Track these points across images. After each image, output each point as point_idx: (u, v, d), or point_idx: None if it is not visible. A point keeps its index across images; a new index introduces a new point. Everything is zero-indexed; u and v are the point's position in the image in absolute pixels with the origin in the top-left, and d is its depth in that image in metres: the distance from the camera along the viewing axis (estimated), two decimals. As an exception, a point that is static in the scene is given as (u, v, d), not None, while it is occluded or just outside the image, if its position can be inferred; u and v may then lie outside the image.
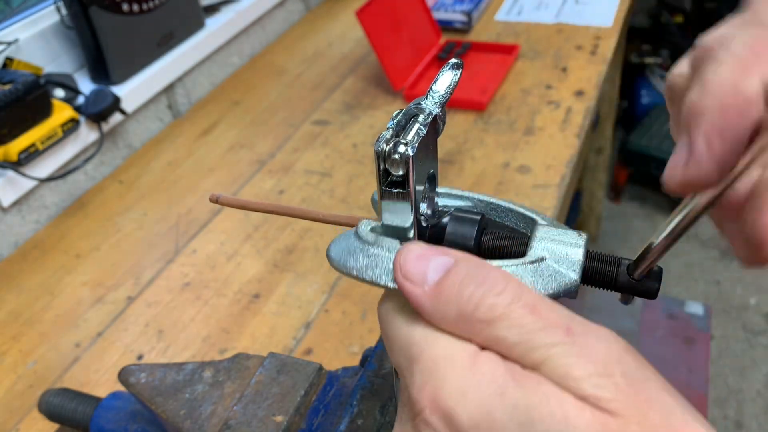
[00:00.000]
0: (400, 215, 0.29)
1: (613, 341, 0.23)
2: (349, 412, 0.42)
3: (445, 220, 0.31)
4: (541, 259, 0.29)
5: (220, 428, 0.43)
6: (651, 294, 0.29)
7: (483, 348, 0.24)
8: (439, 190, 0.33)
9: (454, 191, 0.34)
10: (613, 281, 0.30)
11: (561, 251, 0.29)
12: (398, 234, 0.30)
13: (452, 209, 0.32)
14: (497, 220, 0.34)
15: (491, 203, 0.34)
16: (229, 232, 0.97)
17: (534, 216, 0.32)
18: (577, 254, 0.29)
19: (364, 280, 0.28)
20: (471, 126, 1.14)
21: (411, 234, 0.30)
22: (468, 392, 0.23)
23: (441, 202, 0.34)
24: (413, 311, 0.26)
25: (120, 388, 0.56)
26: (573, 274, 0.29)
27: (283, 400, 0.44)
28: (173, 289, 0.88)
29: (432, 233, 0.31)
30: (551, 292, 0.28)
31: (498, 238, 0.31)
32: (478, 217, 0.31)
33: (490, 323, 0.23)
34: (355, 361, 0.73)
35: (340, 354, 0.76)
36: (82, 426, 0.58)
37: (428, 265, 0.25)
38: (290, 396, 0.44)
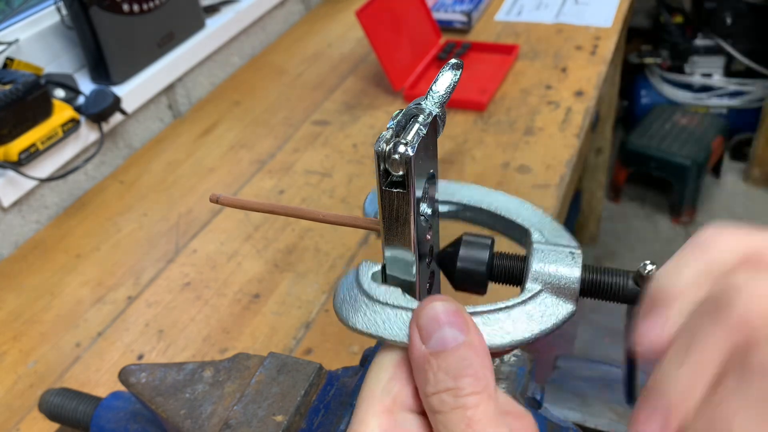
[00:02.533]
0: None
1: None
2: (349, 411, 0.42)
3: (459, 249, 0.31)
4: (538, 293, 0.29)
5: (220, 428, 0.43)
6: None
7: None
8: (440, 182, 0.34)
9: (453, 184, 0.34)
10: (619, 293, 0.30)
11: (556, 277, 0.30)
12: (402, 285, 0.30)
13: (463, 234, 0.32)
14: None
15: (485, 210, 0.34)
16: (229, 232, 0.97)
17: (527, 226, 0.32)
18: (574, 274, 0.29)
19: (370, 336, 0.28)
20: (471, 126, 1.14)
21: (414, 283, 0.30)
22: None
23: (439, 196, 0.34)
24: (376, 388, 0.27)
25: (120, 387, 0.56)
26: (570, 306, 0.29)
27: (283, 400, 0.44)
28: (173, 289, 0.88)
29: (445, 256, 0.31)
30: (549, 327, 0.29)
31: (506, 259, 0.32)
32: (489, 241, 0.31)
33: (446, 413, 0.25)
34: (355, 361, 0.73)
35: (340, 354, 0.76)
36: (82, 426, 0.58)
37: (440, 331, 0.26)
38: (290, 396, 0.44)
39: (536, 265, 0.30)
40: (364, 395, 0.27)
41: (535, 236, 0.32)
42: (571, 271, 0.30)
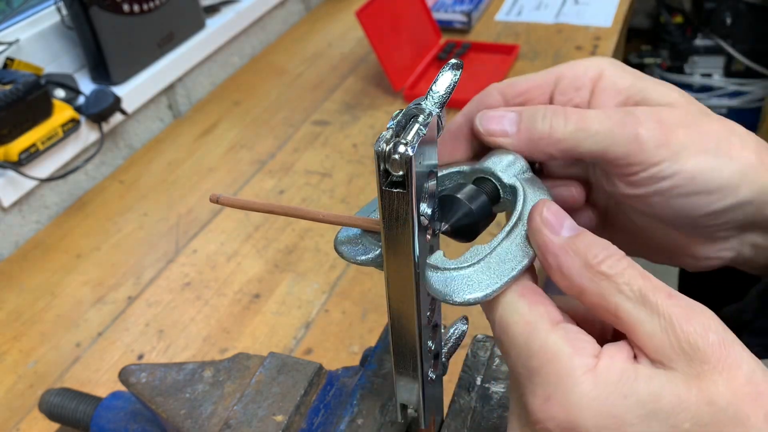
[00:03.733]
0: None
1: (705, 309, 0.25)
2: (349, 411, 0.42)
3: (462, 195, 0.32)
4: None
5: (220, 428, 0.43)
6: None
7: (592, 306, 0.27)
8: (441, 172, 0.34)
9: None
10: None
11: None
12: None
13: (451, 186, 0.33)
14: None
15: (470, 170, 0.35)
16: (229, 232, 0.97)
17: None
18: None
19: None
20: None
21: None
22: (591, 403, 0.25)
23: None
24: (528, 320, 0.27)
25: (120, 387, 0.56)
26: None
27: (283, 400, 0.44)
28: (174, 289, 0.88)
29: (444, 199, 0.32)
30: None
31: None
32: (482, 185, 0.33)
33: (610, 277, 0.26)
34: (355, 361, 0.74)
35: (340, 354, 0.76)
36: (82, 425, 0.58)
37: (564, 222, 0.28)
38: (290, 396, 0.44)
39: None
40: (520, 332, 0.27)
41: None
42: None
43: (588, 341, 0.26)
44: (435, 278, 0.29)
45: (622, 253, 0.27)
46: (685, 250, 0.36)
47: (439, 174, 0.34)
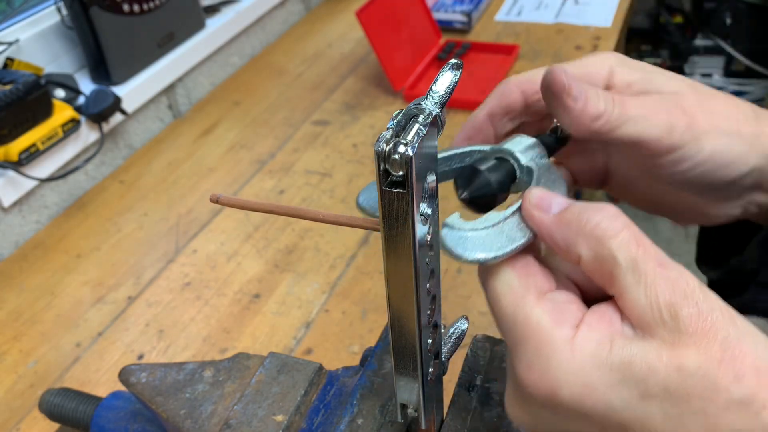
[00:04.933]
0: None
1: (690, 276, 0.27)
2: (349, 411, 0.42)
3: (485, 166, 0.33)
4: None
5: (220, 428, 0.43)
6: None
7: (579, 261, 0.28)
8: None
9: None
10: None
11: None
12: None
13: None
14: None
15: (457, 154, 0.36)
16: (229, 232, 0.97)
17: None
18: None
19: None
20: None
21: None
22: (567, 372, 0.26)
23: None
24: (517, 292, 0.29)
25: (120, 387, 0.56)
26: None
27: (283, 400, 0.44)
28: (174, 288, 0.88)
29: (465, 170, 0.33)
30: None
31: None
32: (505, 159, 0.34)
33: (602, 240, 0.27)
34: (355, 361, 0.74)
35: (340, 354, 0.76)
36: (82, 425, 0.58)
37: (552, 200, 0.30)
38: (290, 395, 0.44)
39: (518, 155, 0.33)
40: (508, 303, 0.29)
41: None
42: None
43: (572, 311, 0.28)
44: (449, 236, 0.30)
45: (617, 211, 0.28)
46: (696, 209, 0.39)
47: (460, 151, 0.36)
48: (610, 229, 0.27)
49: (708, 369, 0.24)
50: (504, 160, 0.34)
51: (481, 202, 0.33)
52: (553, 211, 0.29)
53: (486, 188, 0.32)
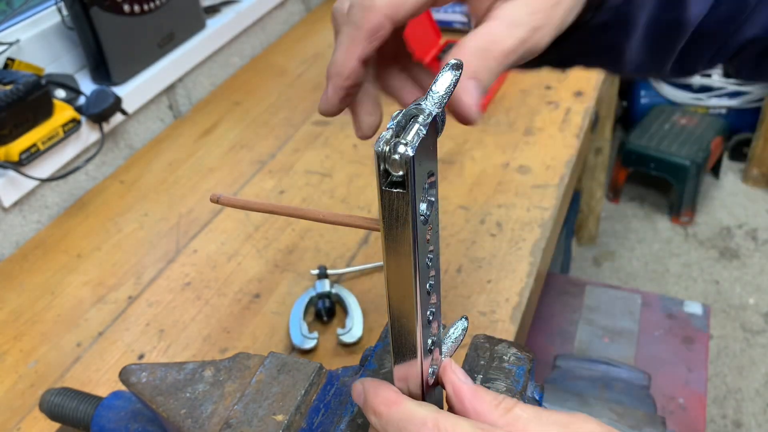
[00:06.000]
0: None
1: None
2: (349, 411, 0.42)
3: None
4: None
5: (220, 427, 0.43)
6: None
7: None
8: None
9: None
10: None
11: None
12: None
13: None
14: None
15: None
16: (229, 232, 0.97)
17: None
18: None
19: None
20: (470, 126, 1.14)
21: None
22: None
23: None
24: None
25: (121, 387, 0.56)
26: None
27: (283, 400, 0.44)
28: (174, 288, 0.88)
29: None
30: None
31: None
32: None
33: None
34: (355, 361, 0.74)
35: (340, 354, 0.77)
36: (83, 425, 0.58)
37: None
38: (291, 395, 0.44)
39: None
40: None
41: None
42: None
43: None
44: None
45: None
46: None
47: None
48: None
49: None
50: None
51: None
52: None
53: None
